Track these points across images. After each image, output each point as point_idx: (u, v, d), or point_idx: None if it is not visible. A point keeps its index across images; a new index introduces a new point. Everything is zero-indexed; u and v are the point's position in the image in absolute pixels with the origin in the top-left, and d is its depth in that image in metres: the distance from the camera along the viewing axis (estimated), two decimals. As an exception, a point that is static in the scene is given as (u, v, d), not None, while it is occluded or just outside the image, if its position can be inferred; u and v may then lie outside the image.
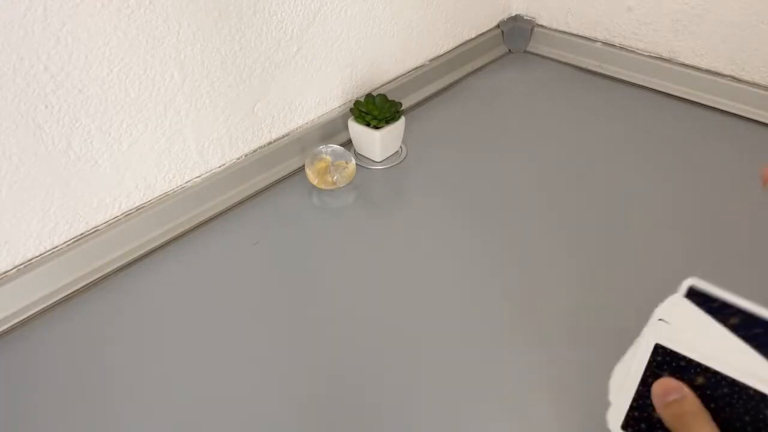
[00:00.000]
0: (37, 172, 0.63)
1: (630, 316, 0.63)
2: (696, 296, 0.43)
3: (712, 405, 0.40)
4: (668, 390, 0.40)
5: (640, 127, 0.93)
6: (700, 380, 0.41)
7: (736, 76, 0.94)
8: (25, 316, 0.66)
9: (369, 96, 0.86)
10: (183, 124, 0.73)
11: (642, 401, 0.42)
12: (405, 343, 0.62)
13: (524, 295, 0.67)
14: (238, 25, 0.72)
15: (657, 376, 0.42)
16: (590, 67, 1.07)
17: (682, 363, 0.42)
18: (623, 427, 0.41)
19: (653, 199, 0.79)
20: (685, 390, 0.39)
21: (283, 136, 0.85)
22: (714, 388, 0.41)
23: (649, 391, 0.42)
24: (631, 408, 0.42)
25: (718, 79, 0.94)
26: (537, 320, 0.64)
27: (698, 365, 0.41)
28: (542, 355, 0.60)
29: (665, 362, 0.42)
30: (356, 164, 0.83)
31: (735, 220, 0.75)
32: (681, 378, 0.41)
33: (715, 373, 0.41)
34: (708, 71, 0.96)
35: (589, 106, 0.98)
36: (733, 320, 0.41)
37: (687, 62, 0.98)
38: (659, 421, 0.41)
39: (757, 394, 0.39)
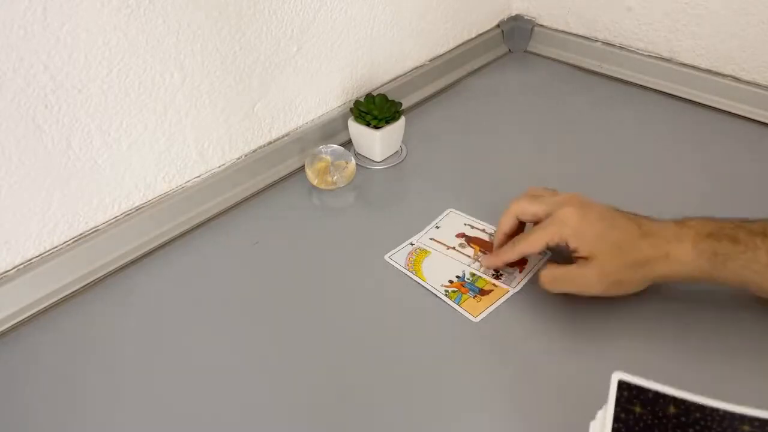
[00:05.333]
0: (37, 172, 0.63)
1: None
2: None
3: (690, 431, 0.42)
4: None
5: (639, 126, 0.93)
6: (671, 410, 0.43)
7: (736, 76, 0.94)
8: (25, 316, 0.66)
9: (369, 96, 0.86)
10: (183, 124, 0.73)
11: None
12: (406, 342, 0.62)
13: (527, 293, 0.67)
14: (238, 25, 0.72)
15: (629, 412, 0.43)
16: (590, 67, 1.07)
17: (650, 395, 0.43)
18: None
19: (653, 199, 0.79)
20: None
21: (283, 136, 0.85)
22: (686, 416, 0.42)
23: (623, 427, 0.43)
24: None
25: (718, 79, 0.94)
26: (558, 316, 0.64)
27: (665, 396, 0.43)
28: (568, 358, 0.60)
29: (633, 396, 0.44)
30: (356, 164, 0.83)
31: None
32: (653, 410, 0.43)
33: (684, 401, 0.43)
34: (708, 71, 0.96)
35: (589, 105, 0.98)
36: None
37: (687, 62, 0.98)
38: None
39: (727, 414, 0.42)
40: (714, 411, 0.43)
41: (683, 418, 0.43)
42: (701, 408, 0.43)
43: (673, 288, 0.64)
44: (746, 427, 0.42)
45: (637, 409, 0.44)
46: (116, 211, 0.71)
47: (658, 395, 0.44)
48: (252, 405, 0.57)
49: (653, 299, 0.63)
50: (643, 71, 1.01)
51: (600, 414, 0.46)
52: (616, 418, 0.43)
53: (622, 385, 0.45)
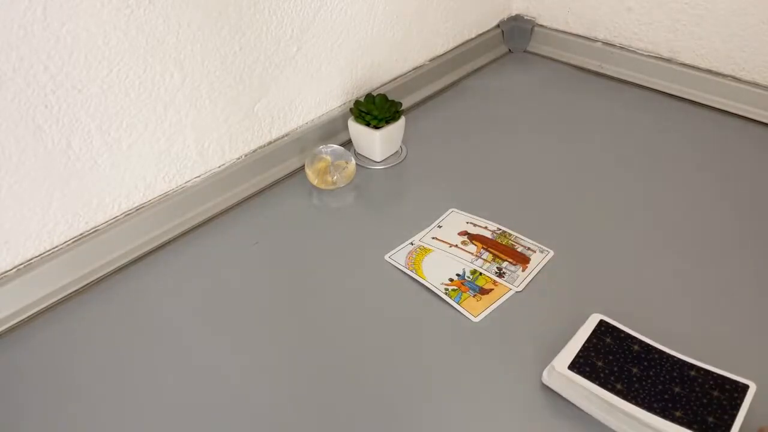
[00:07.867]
0: (37, 172, 0.63)
1: (633, 310, 0.63)
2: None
3: (645, 364, 0.55)
4: None
5: (639, 126, 0.93)
6: (635, 348, 0.57)
7: (736, 76, 0.94)
8: (25, 316, 0.66)
9: (369, 96, 0.86)
10: (183, 124, 0.73)
11: (586, 353, 0.56)
12: (407, 340, 0.62)
13: (529, 293, 0.67)
14: (238, 25, 0.72)
15: (601, 340, 0.57)
16: (590, 67, 1.07)
17: (622, 335, 0.58)
18: (569, 367, 0.54)
19: (653, 198, 0.79)
20: None
21: (283, 136, 0.85)
22: (646, 354, 0.56)
23: (593, 348, 0.56)
24: (577, 356, 0.55)
25: (718, 79, 0.94)
26: (560, 317, 0.64)
27: (634, 338, 0.58)
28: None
29: (607, 332, 0.58)
30: (356, 164, 0.83)
31: (735, 219, 0.75)
32: (620, 345, 0.57)
33: (647, 345, 0.57)
34: (708, 71, 0.96)
35: (589, 105, 0.98)
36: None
37: (687, 62, 0.98)
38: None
39: (678, 360, 0.56)
40: (668, 356, 0.56)
41: (642, 356, 0.56)
42: (659, 351, 0.56)
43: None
44: (693, 372, 0.55)
45: (608, 340, 0.57)
46: (116, 211, 0.71)
47: (628, 336, 0.58)
48: (252, 403, 0.57)
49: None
50: (643, 71, 1.01)
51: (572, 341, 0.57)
52: (588, 341, 0.56)
53: (602, 323, 0.58)
